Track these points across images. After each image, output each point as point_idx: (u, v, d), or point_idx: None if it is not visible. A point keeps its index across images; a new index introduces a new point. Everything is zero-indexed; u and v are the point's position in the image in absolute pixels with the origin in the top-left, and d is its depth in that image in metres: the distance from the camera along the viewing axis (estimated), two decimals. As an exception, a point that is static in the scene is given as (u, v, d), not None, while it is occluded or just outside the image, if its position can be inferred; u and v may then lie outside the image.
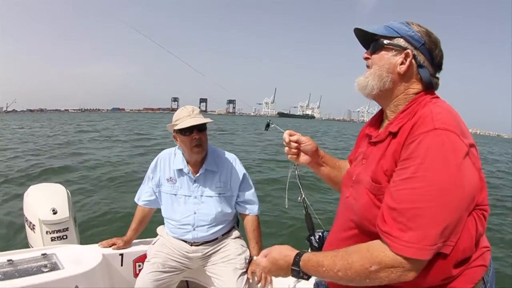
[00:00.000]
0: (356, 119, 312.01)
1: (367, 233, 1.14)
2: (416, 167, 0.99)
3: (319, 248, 1.87)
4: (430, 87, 1.21)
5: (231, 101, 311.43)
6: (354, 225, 1.21)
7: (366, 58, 1.29)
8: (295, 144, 1.54)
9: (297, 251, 1.19)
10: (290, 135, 1.55)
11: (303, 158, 1.56)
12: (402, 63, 1.19)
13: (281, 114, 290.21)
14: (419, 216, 0.96)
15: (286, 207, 1.90)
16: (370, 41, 1.28)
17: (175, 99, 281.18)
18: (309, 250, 1.97)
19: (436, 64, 1.23)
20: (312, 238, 1.89)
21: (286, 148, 1.56)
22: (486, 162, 19.79)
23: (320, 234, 1.90)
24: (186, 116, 2.29)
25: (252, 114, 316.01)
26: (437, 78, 1.25)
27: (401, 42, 1.21)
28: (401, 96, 1.22)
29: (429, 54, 1.20)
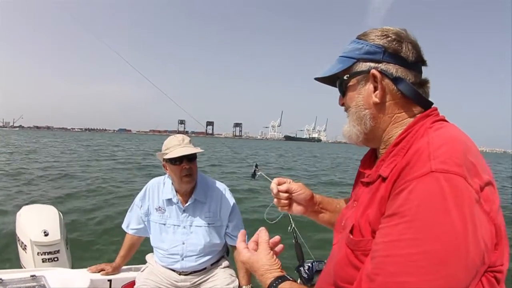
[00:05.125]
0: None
1: None
2: (405, 226, 0.74)
3: (308, 279, 1.82)
4: (420, 101, 0.97)
5: (237, 124, 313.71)
6: (332, 282, 1.00)
7: (342, 104, 1.09)
8: (285, 195, 1.31)
9: (277, 274, 0.98)
10: (279, 184, 1.32)
11: (297, 208, 1.34)
12: (375, 89, 0.97)
13: (287, 138, 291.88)
14: None
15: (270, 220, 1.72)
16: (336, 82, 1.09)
17: (181, 122, 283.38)
18: (299, 281, 1.92)
19: (413, 62, 0.97)
20: (302, 268, 1.85)
21: (275, 200, 1.34)
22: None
23: (309, 264, 1.85)
24: (176, 145, 2.27)
25: (258, 137, 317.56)
26: (425, 83, 0.99)
27: (361, 66, 0.99)
28: (389, 128, 0.98)
29: (397, 58, 0.96)
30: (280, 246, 1.08)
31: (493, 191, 0.80)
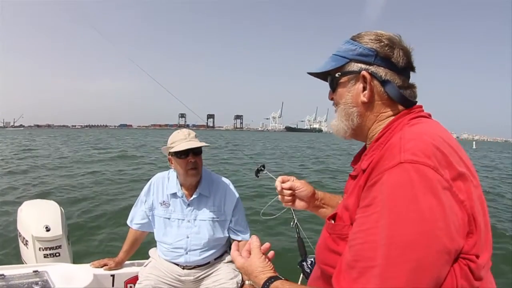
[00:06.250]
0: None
1: (326, 277, 1.01)
2: (378, 215, 0.80)
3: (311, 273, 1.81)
4: (405, 103, 1.03)
5: (238, 116, 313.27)
6: (318, 266, 1.09)
7: (332, 99, 1.15)
8: (289, 192, 1.44)
9: (270, 275, 1.03)
10: (283, 182, 1.44)
11: (299, 204, 1.47)
12: (364, 89, 1.03)
13: (288, 129, 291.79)
14: (379, 276, 0.76)
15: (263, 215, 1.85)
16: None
17: (182, 115, 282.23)
18: (301, 276, 1.91)
19: (402, 68, 1.03)
20: (304, 263, 1.84)
21: (280, 196, 1.47)
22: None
23: (312, 259, 1.84)
24: (182, 139, 2.31)
25: (259, 129, 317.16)
26: (412, 87, 1.05)
27: (352, 66, 1.04)
28: (374, 126, 1.05)
29: (388, 62, 1.01)
30: (271, 252, 1.15)
31: (469, 182, 0.84)
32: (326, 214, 1.42)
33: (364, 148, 1.15)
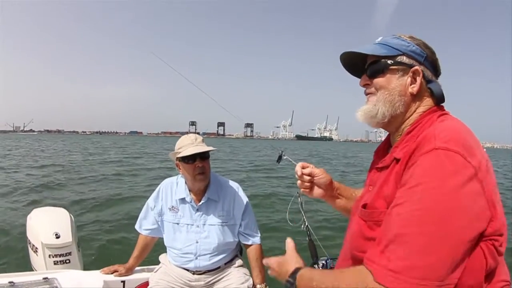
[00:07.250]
0: (373, 140, 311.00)
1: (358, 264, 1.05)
2: (412, 191, 0.90)
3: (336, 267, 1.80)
4: (441, 101, 1.13)
5: (249, 125, 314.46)
6: (350, 255, 1.13)
7: (366, 85, 1.19)
8: (308, 178, 1.46)
9: (299, 266, 1.10)
10: (303, 168, 1.47)
11: (317, 192, 1.49)
12: (412, 83, 1.11)
13: (299, 137, 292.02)
14: (406, 243, 0.85)
15: (290, 225, 1.89)
16: (360, 65, 1.20)
17: (193, 123, 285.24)
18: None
19: (438, 76, 1.16)
20: (316, 266, 1.82)
21: (299, 182, 1.49)
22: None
23: (323, 262, 1.83)
24: (189, 144, 2.28)
25: (270, 137, 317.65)
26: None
27: (404, 59, 1.12)
28: (411, 117, 1.13)
29: (433, 67, 1.14)
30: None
31: (489, 172, 0.93)
32: (341, 205, 1.51)
33: (387, 141, 1.25)
